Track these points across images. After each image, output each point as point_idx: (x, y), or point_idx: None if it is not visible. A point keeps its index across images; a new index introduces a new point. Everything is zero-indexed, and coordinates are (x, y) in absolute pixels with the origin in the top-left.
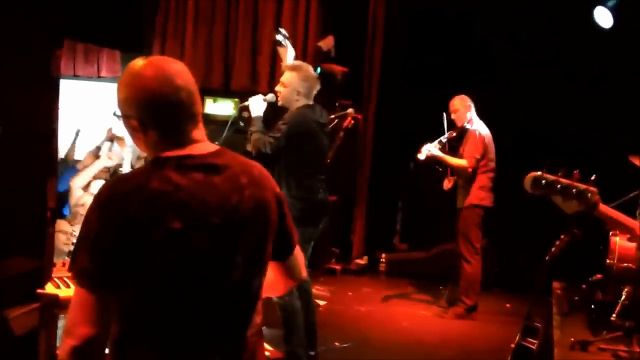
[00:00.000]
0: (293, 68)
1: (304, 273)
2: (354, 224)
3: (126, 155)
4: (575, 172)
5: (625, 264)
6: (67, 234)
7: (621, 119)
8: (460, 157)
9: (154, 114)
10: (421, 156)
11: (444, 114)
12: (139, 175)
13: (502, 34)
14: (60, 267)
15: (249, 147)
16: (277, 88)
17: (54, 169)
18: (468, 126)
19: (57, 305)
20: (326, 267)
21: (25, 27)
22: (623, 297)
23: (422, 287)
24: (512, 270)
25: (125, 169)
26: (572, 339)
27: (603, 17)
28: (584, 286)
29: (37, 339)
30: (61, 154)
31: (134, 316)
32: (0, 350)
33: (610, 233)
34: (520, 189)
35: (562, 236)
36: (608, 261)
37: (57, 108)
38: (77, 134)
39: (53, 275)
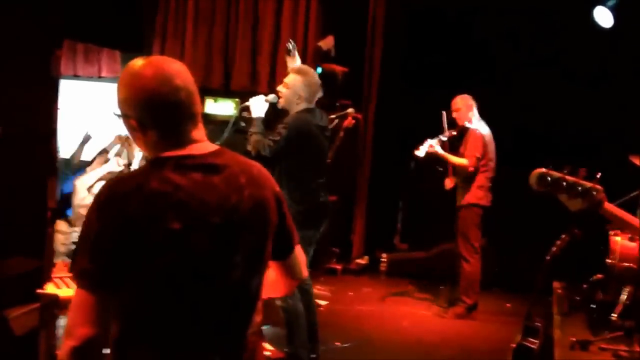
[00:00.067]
0: (298, 71)
1: (305, 272)
2: (354, 223)
3: (137, 154)
4: (581, 169)
5: (626, 264)
6: (66, 234)
7: (621, 118)
8: (461, 156)
9: (153, 114)
10: (419, 153)
11: (444, 112)
12: (138, 176)
13: (502, 34)
14: (61, 267)
15: (250, 147)
16: (279, 88)
17: (54, 169)
18: (469, 125)
19: (57, 305)
20: (327, 267)
21: (25, 27)
22: (623, 296)
23: (422, 286)
24: (512, 270)
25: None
26: (573, 339)
27: (603, 17)
28: (584, 286)
29: (37, 339)
30: (67, 155)
31: (134, 316)
32: (0, 350)
33: (611, 233)
34: (521, 189)
35: (562, 236)
36: (609, 261)
37: (57, 108)
38: (85, 139)
39: (53, 275)
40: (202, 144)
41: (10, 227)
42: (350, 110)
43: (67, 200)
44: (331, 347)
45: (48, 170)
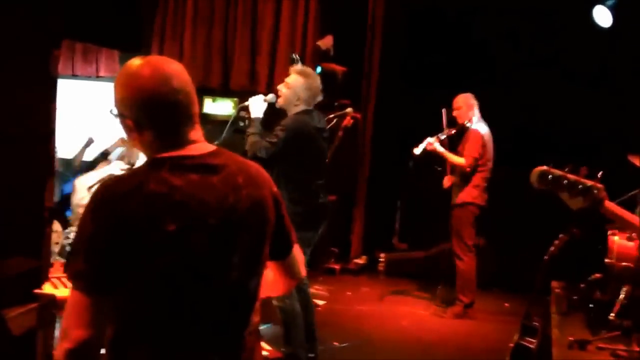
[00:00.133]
0: (300, 72)
1: (304, 272)
2: (353, 223)
3: (140, 156)
4: (582, 168)
5: (624, 263)
6: (58, 232)
7: (620, 118)
8: (460, 155)
9: (150, 114)
10: (417, 151)
11: (444, 111)
12: (135, 177)
13: (502, 34)
14: (58, 267)
15: (247, 148)
16: (280, 87)
17: (51, 169)
18: (469, 125)
19: (54, 305)
20: (325, 266)
21: (25, 27)
22: (622, 296)
23: (421, 286)
24: (511, 270)
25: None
26: (571, 338)
27: (602, 16)
28: (582, 285)
29: (35, 339)
30: (67, 156)
31: (133, 317)
32: None
33: (609, 232)
34: (520, 189)
35: (561, 236)
36: (607, 260)
37: (55, 108)
38: (88, 143)
39: (51, 275)
40: (199, 145)
41: (8, 227)
42: (349, 109)
43: (67, 200)
44: (329, 347)
45: (46, 170)
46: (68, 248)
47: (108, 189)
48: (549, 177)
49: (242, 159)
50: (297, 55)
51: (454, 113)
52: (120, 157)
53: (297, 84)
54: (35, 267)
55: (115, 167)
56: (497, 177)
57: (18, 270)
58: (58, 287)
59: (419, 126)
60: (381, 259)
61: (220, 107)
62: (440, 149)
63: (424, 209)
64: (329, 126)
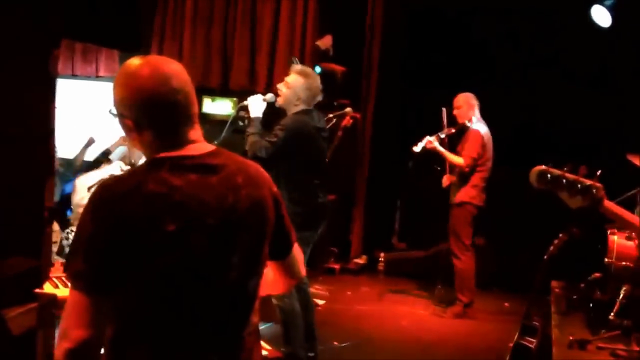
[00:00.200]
0: (301, 72)
1: (303, 271)
2: (352, 223)
3: (141, 155)
4: (581, 167)
5: (624, 263)
6: (56, 232)
7: (620, 118)
8: (459, 154)
9: (149, 114)
10: (416, 149)
11: (444, 109)
12: (134, 177)
13: (502, 34)
14: (59, 267)
15: (247, 148)
16: (280, 86)
17: (51, 169)
18: (469, 125)
19: (54, 305)
20: (325, 266)
21: (25, 27)
22: (621, 295)
23: (420, 286)
24: (510, 270)
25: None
26: (571, 338)
27: (601, 16)
28: (582, 285)
29: (35, 338)
30: (68, 156)
31: (132, 316)
32: None
33: (609, 232)
34: (520, 189)
35: (560, 235)
36: (606, 260)
37: (55, 108)
38: (89, 142)
39: (51, 274)
40: (198, 145)
41: (8, 226)
42: (348, 109)
43: (67, 200)
44: (329, 347)
45: (46, 170)
46: (68, 248)
47: (107, 189)
48: (548, 176)
49: (242, 158)
50: (296, 59)
51: (455, 112)
52: (122, 157)
53: (297, 84)
54: (35, 267)
55: (116, 167)
56: (497, 177)
57: (18, 270)
58: (58, 287)
59: (419, 126)
60: (381, 259)
61: (219, 106)
62: (439, 147)
63: (424, 208)
64: (328, 126)
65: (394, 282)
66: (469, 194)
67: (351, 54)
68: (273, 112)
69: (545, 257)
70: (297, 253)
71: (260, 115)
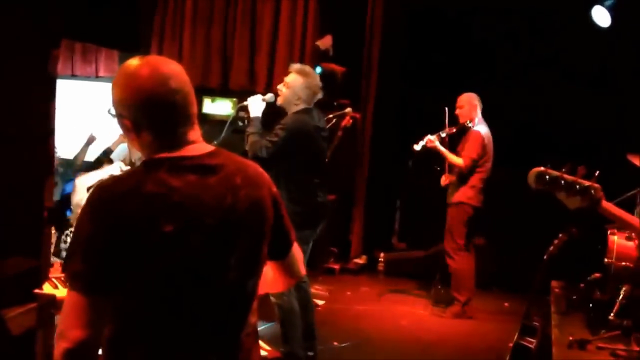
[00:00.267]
0: (299, 71)
1: (303, 270)
2: (352, 223)
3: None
4: (579, 168)
5: (624, 263)
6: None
7: (620, 118)
8: (459, 154)
9: (148, 115)
10: (417, 147)
11: (446, 109)
12: (133, 177)
13: (502, 34)
14: (58, 267)
15: (247, 148)
16: (280, 87)
17: (51, 169)
18: (470, 125)
19: (54, 305)
20: (325, 266)
21: (25, 27)
22: (621, 295)
23: (420, 286)
24: (510, 270)
25: None
26: (571, 338)
27: (601, 17)
28: (582, 285)
29: (34, 338)
30: (70, 156)
31: (131, 317)
32: None
33: (609, 232)
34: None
35: (560, 235)
36: (606, 260)
37: (54, 108)
38: (90, 140)
39: (50, 275)
40: (197, 145)
41: (8, 227)
42: (348, 109)
43: (68, 200)
44: (329, 347)
45: (45, 170)
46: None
47: (105, 190)
48: (546, 177)
49: (241, 159)
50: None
51: (456, 112)
52: (123, 158)
53: (296, 84)
54: (34, 267)
55: (116, 167)
56: (496, 177)
57: (17, 270)
58: (58, 287)
59: (418, 126)
60: (381, 259)
61: (219, 107)
62: (440, 147)
63: (424, 208)
64: (328, 126)
65: (393, 282)
66: (466, 194)
67: (351, 54)
68: (273, 112)
69: (545, 257)
70: (297, 252)
71: (259, 115)
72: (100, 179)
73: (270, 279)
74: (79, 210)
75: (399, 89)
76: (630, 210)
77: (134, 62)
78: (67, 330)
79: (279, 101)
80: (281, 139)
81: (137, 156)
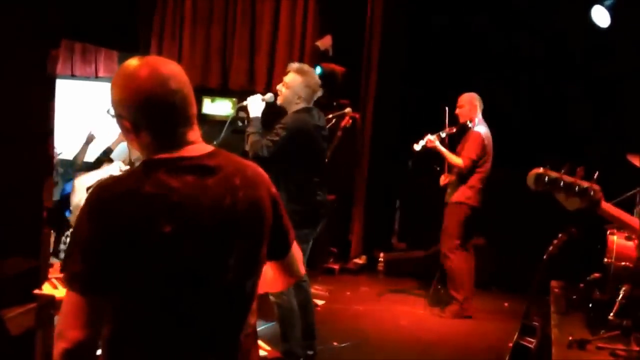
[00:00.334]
0: (298, 70)
1: (303, 270)
2: (352, 223)
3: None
4: (579, 169)
5: (623, 263)
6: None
7: (620, 118)
8: (458, 154)
9: (147, 115)
10: (417, 147)
11: (446, 109)
12: (131, 178)
13: (502, 34)
14: (57, 268)
15: (247, 148)
16: (279, 87)
17: (50, 169)
18: (471, 125)
19: (53, 305)
20: (324, 266)
21: (24, 27)
22: (621, 295)
23: (420, 285)
24: (510, 270)
25: None
26: (570, 338)
27: (601, 17)
28: (581, 285)
29: (34, 339)
30: (70, 157)
31: (129, 317)
32: None
33: (608, 232)
34: (519, 189)
35: (560, 235)
36: (606, 260)
37: (54, 108)
38: (89, 139)
39: (50, 275)
40: (197, 146)
41: (7, 227)
42: (347, 109)
43: (67, 200)
44: (329, 347)
45: (45, 170)
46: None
47: (104, 190)
48: (545, 179)
49: (240, 159)
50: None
51: (457, 111)
52: (122, 158)
53: (295, 83)
54: (34, 267)
55: (115, 168)
56: (496, 177)
57: (17, 270)
58: (57, 288)
59: (418, 126)
60: (380, 259)
61: (219, 107)
62: (440, 147)
63: (423, 208)
64: (328, 126)
65: (393, 282)
66: (465, 194)
67: (351, 54)
68: (273, 112)
69: (544, 257)
70: (296, 252)
71: (259, 115)
72: (100, 179)
73: (269, 279)
74: (78, 211)
75: (399, 89)
76: (630, 211)
77: (133, 62)
78: (65, 331)
79: (279, 101)
80: (282, 138)
81: (137, 156)
